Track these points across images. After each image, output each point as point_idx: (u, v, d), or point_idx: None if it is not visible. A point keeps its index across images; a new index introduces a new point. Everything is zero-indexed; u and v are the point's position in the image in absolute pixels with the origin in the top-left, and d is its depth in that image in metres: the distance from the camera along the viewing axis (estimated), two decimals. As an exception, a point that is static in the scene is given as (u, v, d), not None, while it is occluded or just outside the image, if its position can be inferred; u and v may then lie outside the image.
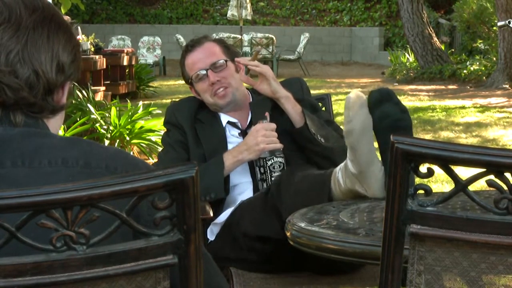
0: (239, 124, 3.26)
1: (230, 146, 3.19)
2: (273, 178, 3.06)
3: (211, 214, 2.93)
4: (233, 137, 3.24)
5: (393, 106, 2.57)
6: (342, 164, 2.63)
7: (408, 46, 19.54)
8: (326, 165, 2.97)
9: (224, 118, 3.26)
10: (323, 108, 3.50)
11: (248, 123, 3.27)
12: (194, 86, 3.27)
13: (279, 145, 3.09)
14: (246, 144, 3.10)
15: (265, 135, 3.07)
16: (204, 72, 3.21)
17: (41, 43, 1.49)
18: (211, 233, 3.09)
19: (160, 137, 8.09)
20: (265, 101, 3.22)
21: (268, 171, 3.10)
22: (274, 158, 3.10)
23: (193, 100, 3.30)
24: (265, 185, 3.09)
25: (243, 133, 3.23)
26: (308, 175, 2.79)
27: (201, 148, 3.17)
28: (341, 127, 2.94)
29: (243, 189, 3.15)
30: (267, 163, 3.10)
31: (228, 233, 2.98)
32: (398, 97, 2.62)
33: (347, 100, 2.54)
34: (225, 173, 3.08)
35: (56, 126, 1.56)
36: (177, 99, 3.45)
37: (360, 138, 2.50)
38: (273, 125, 3.11)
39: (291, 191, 2.73)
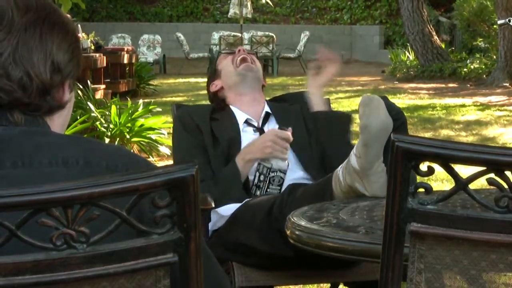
0: (254, 122, 3.31)
1: (244, 137, 3.21)
2: (268, 190, 3.07)
3: (213, 205, 2.94)
4: (246, 133, 3.27)
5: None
6: (344, 162, 2.63)
7: (408, 44, 19.52)
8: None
9: (241, 116, 3.30)
10: None
11: (262, 120, 3.32)
12: (218, 65, 3.45)
13: (284, 156, 3.09)
14: (254, 144, 3.13)
15: (275, 141, 3.08)
16: (235, 49, 3.46)
17: (33, 43, 1.48)
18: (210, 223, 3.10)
19: (160, 135, 8.14)
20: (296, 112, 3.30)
21: (267, 181, 3.09)
22: (278, 172, 3.09)
23: (206, 105, 3.43)
24: (258, 192, 3.09)
25: (260, 130, 3.27)
26: (307, 188, 2.80)
27: (218, 143, 3.19)
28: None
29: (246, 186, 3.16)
30: (269, 173, 3.09)
31: (230, 235, 2.98)
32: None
33: (364, 98, 2.55)
34: (242, 178, 3.10)
35: (61, 124, 1.56)
36: (180, 103, 3.56)
37: (377, 135, 2.51)
38: (289, 136, 3.11)
39: (293, 208, 2.73)
